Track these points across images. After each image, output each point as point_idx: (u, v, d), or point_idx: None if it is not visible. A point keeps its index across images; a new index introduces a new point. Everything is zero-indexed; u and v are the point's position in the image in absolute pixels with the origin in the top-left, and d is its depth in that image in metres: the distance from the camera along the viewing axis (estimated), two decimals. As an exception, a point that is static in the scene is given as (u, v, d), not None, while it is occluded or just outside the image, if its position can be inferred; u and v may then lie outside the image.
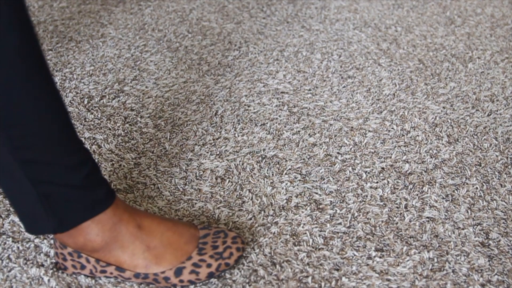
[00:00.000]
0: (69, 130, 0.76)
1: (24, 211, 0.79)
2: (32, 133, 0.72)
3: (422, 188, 1.04)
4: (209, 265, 0.84)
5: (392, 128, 1.18)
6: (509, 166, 1.10)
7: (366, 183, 1.04)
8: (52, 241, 0.91)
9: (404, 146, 1.13)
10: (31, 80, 0.70)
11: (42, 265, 0.87)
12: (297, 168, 1.07)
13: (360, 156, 1.11)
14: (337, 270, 0.89)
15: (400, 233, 0.95)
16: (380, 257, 0.91)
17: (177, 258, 0.84)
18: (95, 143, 1.11)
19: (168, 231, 0.85)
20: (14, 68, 0.68)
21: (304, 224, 0.96)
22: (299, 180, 1.05)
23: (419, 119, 1.21)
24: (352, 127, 1.18)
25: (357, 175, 1.06)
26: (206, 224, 0.94)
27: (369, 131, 1.17)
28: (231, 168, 1.07)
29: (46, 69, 0.72)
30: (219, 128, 1.16)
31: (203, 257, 0.85)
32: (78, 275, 0.85)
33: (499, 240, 0.94)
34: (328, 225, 0.96)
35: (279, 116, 1.20)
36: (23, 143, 0.73)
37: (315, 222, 0.96)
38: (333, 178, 1.05)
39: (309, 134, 1.15)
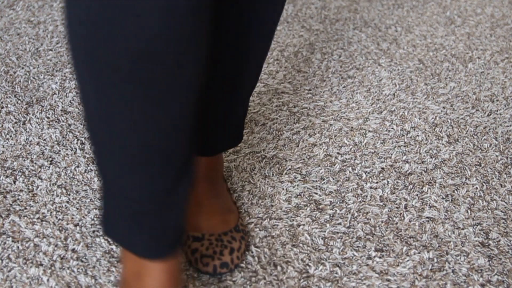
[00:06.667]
0: None
1: None
2: None
3: (422, 188, 1.04)
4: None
5: (392, 128, 1.18)
6: (509, 166, 1.10)
7: (366, 183, 1.04)
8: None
9: (404, 146, 1.13)
10: None
11: (41, 264, 0.87)
12: (297, 168, 1.07)
13: (360, 156, 1.11)
14: (337, 270, 0.89)
15: (400, 233, 0.95)
16: (380, 257, 0.91)
17: None
18: (95, 143, 1.10)
19: None
20: None
21: (304, 224, 0.96)
22: (299, 180, 1.05)
23: (419, 119, 1.21)
24: (352, 127, 1.18)
25: (357, 175, 1.06)
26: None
27: (369, 131, 1.17)
28: (231, 168, 1.07)
29: None
30: (219, 128, 1.16)
31: None
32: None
33: (499, 240, 0.94)
34: (328, 225, 0.96)
35: (279, 116, 1.20)
36: None
37: (315, 223, 0.96)
38: (333, 178, 1.05)
39: (309, 134, 1.15)
